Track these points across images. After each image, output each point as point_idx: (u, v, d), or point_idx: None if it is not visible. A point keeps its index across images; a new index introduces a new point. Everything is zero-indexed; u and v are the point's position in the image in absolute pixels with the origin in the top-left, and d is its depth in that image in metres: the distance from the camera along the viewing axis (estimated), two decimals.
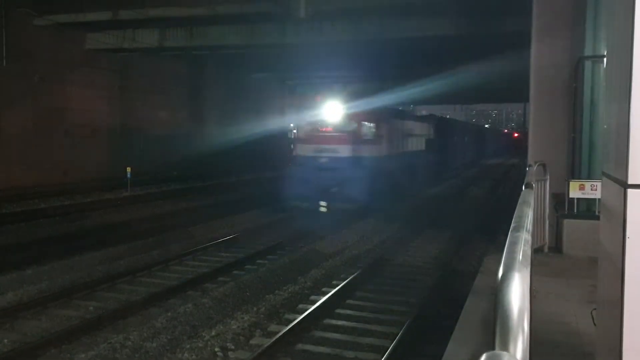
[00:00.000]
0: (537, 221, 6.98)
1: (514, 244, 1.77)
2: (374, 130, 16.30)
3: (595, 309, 3.47)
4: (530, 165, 6.98)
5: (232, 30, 19.39)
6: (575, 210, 7.68)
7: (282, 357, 6.13)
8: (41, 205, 15.69)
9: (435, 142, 24.12)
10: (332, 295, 7.96)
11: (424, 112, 39.93)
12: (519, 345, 1.14)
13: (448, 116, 43.57)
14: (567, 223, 7.66)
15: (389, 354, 5.86)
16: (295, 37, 18.57)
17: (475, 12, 15.91)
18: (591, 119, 7.73)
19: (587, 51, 7.73)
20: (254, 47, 20.90)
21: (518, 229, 2.07)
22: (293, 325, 6.72)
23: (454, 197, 20.92)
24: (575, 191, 7.54)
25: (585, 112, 7.75)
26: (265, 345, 6.14)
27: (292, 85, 35.42)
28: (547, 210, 7.58)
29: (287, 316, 7.39)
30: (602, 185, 3.35)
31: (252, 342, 6.55)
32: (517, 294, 1.24)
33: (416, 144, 21.20)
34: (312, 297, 8.18)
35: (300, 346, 6.40)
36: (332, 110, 15.69)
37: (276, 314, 7.54)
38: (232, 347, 6.41)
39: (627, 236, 2.37)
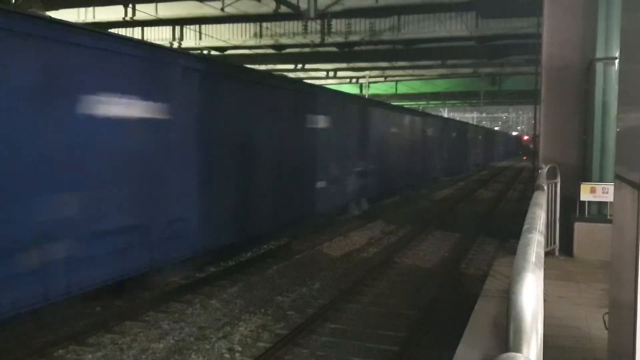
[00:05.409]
0: (548, 224, 6.91)
1: (527, 245, 1.74)
2: None
3: (607, 313, 3.43)
4: (541, 168, 6.93)
5: (240, 31, 19.42)
6: (587, 214, 7.61)
7: None
8: None
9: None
10: None
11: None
12: (533, 347, 1.12)
13: (457, 118, 43.86)
14: (578, 226, 7.59)
15: None
16: (304, 37, 18.57)
17: (488, 13, 15.87)
18: (603, 121, 7.63)
19: (599, 53, 7.63)
20: (262, 48, 20.90)
21: (530, 230, 2.05)
22: None
23: (465, 199, 20.91)
24: (586, 194, 7.46)
25: (597, 114, 7.65)
26: None
27: None
28: (558, 213, 7.51)
29: None
30: (615, 188, 3.31)
31: None
32: (531, 295, 1.22)
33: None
34: None
35: None
36: None
37: None
38: None
39: None
